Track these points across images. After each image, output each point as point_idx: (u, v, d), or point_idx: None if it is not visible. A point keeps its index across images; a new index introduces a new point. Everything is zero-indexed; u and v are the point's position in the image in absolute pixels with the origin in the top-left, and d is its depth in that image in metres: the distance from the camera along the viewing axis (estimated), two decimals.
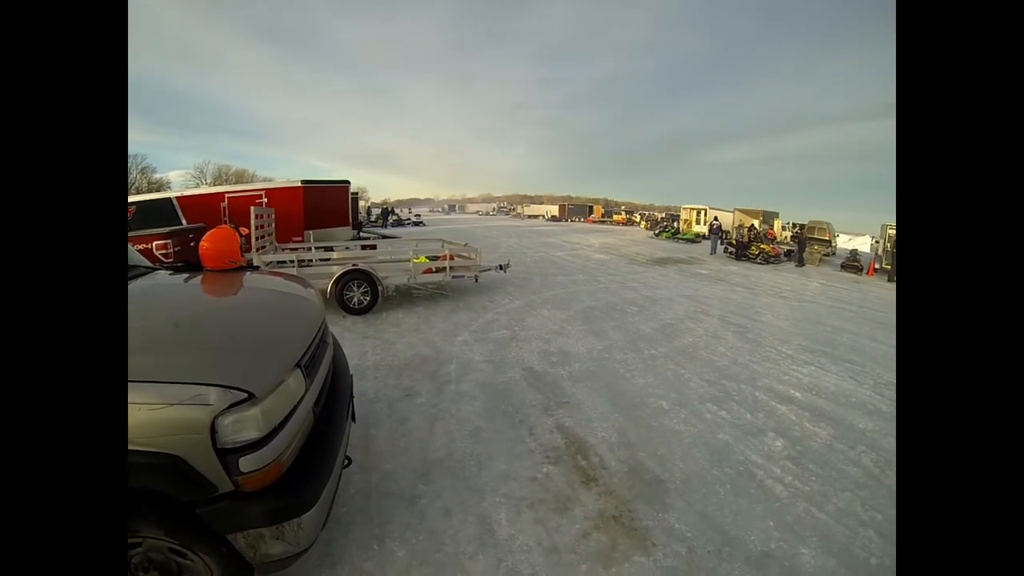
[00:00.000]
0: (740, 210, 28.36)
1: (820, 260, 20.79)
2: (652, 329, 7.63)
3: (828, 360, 6.65)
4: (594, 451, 3.88)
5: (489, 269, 10.30)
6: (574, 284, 11.39)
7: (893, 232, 19.07)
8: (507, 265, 10.81)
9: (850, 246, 27.66)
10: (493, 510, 3.12)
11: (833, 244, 25.27)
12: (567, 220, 57.38)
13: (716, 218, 25.21)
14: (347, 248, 9.55)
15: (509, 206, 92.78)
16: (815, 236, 23.62)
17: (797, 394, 5.31)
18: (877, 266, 19.06)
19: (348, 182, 14.90)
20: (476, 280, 9.71)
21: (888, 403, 5.25)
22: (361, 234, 16.30)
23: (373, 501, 3.17)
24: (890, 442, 4.35)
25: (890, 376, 6.20)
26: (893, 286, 16.34)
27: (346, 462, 2.71)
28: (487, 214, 79.07)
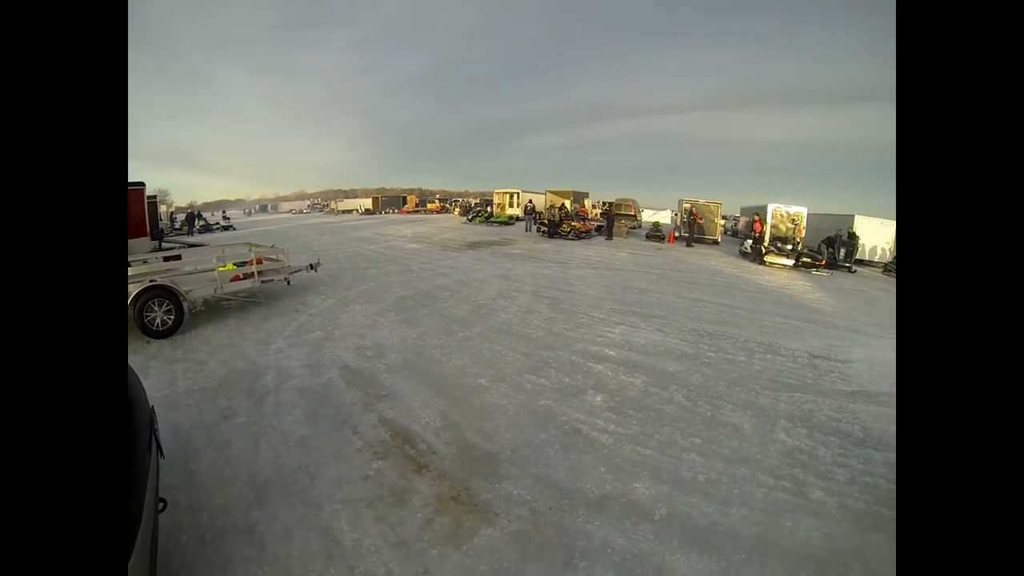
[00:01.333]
0: (552, 191, 30.60)
1: (627, 233, 23.69)
2: (466, 312, 7.92)
3: (638, 318, 7.62)
4: (420, 438, 3.94)
5: (299, 270, 9.85)
6: (386, 276, 11.32)
7: (688, 205, 22.37)
8: (318, 264, 10.42)
9: (654, 219, 31.59)
10: (333, 519, 3.06)
11: (639, 218, 28.93)
12: (381, 212, 56.60)
13: (531, 200, 27.12)
14: (144, 262, 8.29)
15: (323, 202, 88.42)
16: (622, 212, 26.81)
17: (611, 352, 5.96)
18: (676, 235, 22.71)
19: (143, 184, 12.84)
20: (288, 283, 9.25)
21: (692, 346, 6.25)
22: (163, 245, 14.26)
23: (209, 543, 2.88)
24: (697, 378, 5.17)
25: (692, 324, 7.36)
26: (690, 251, 19.08)
27: (160, 506, 2.36)
28: (301, 212, 74.62)
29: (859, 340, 7.54)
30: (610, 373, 5.28)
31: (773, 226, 20.03)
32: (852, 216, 21.00)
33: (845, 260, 18.32)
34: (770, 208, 20.44)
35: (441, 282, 10.43)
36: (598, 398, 4.64)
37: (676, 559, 2.76)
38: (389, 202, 62.86)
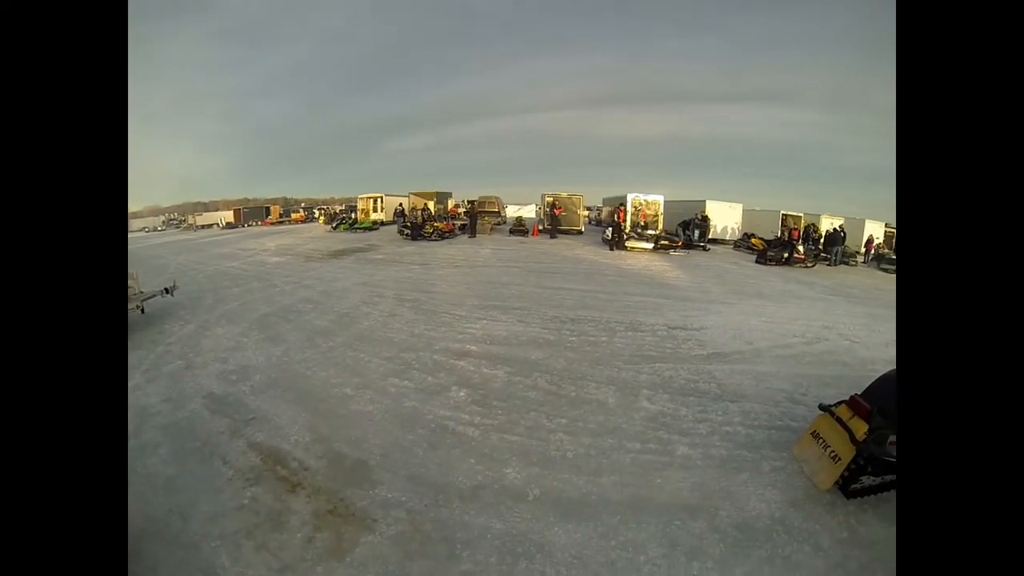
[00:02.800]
0: (414, 193, 30.75)
1: (491, 230, 24.34)
2: (329, 322, 7.79)
3: (499, 312, 7.91)
4: (291, 457, 3.87)
5: (153, 296, 8.95)
6: (249, 294, 10.68)
7: (550, 199, 23.41)
8: (174, 287, 9.52)
9: (517, 215, 32.57)
10: (214, 557, 3.03)
11: (503, 215, 29.70)
12: (244, 225, 52.77)
13: (401, 204, 27.11)
14: None
15: (180, 217, 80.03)
16: (486, 210, 27.36)
17: (473, 348, 6.15)
18: (540, 228, 23.73)
19: None
20: (142, 311, 8.36)
21: (554, 333, 6.65)
22: None
23: None
24: (560, 363, 5.53)
25: (554, 312, 7.81)
26: (553, 242, 19.97)
27: None
28: (156, 230, 66.98)
29: (713, 309, 8.54)
30: (472, 368, 5.46)
31: (633, 213, 21.90)
32: (704, 201, 24.04)
33: (699, 240, 20.63)
34: (630, 197, 22.45)
35: (304, 295, 10.12)
36: (462, 393, 4.78)
37: (555, 532, 2.99)
38: (252, 214, 59.20)
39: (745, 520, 3.18)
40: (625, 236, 18.76)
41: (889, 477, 3.55)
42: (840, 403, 3.55)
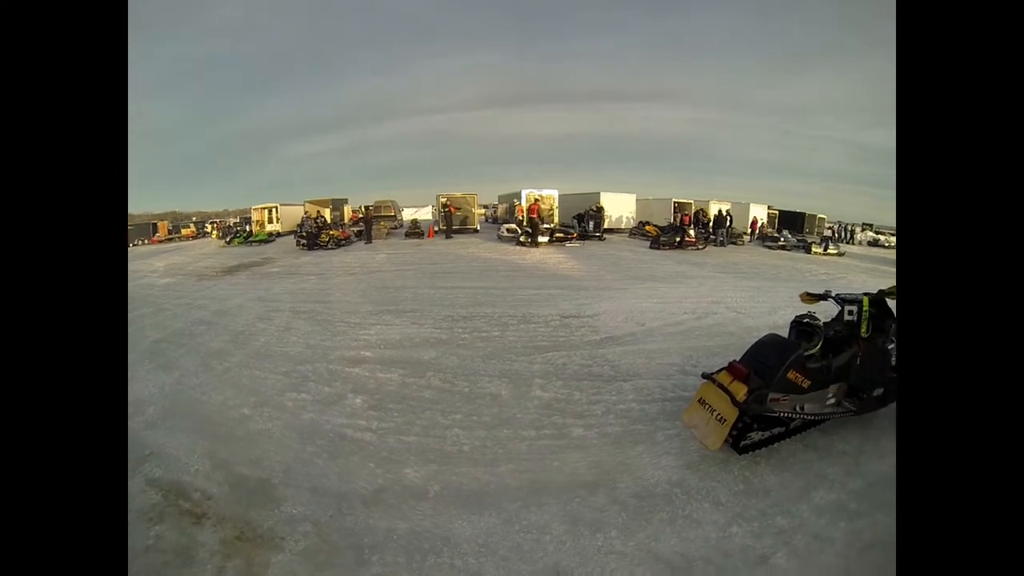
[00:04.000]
0: (309, 202, 29.77)
1: (388, 234, 23.99)
2: (224, 343, 7.45)
3: (392, 316, 7.86)
4: (193, 487, 3.68)
5: None
6: (140, 319, 9.91)
7: (443, 199, 23.40)
8: None
9: (413, 217, 32.28)
10: None
11: (399, 218, 29.42)
12: (131, 245, 48.48)
13: (306, 213, 26.15)
14: None
15: None
16: (383, 214, 26.99)
17: (368, 354, 6.10)
18: (436, 229, 23.86)
19: None
20: None
21: (446, 332, 6.70)
22: None
23: None
24: (453, 360, 5.58)
25: (447, 311, 7.85)
26: (449, 242, 20.04)
27: None
28: None
29: (606, 295, 8.89)
30: (368, 374, 5.42)
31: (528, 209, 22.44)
32: (598, 193, 24.93)
33: (595, 231, 21.37)
34: (524, 193, 22.87)
35: (197, 316, 9.56)
36: (358, 400, 4.73)
37: (459, 525, 3.02)
38: (138, 232, 54.40)
39: (644, 488, 3.35)
40: (519, 232, 19.16)
41: (778, 429, 3.94)
42: (720, 370, 3.82)
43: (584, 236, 20.98)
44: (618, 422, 4.11)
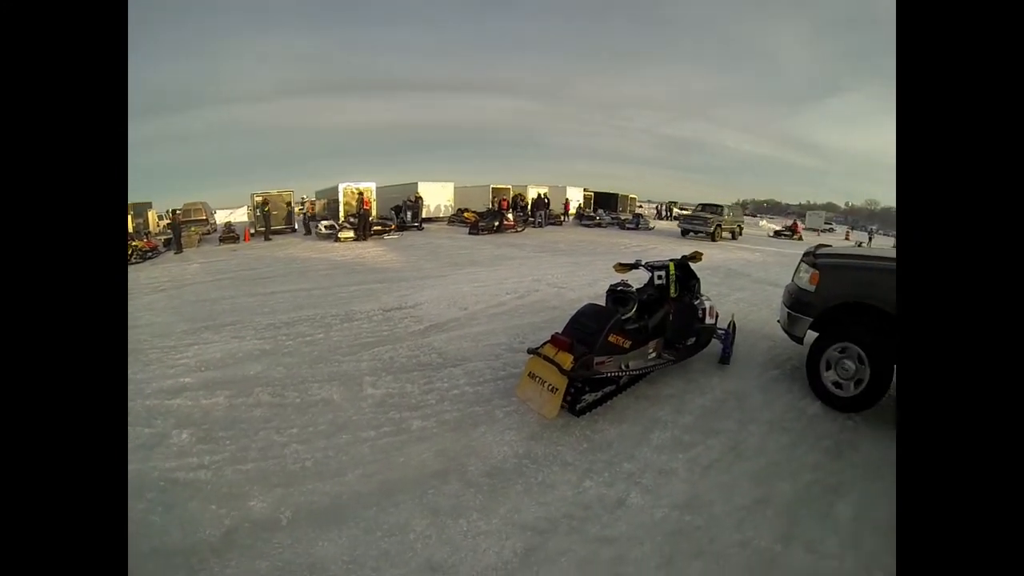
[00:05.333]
0: None
1: (200, 240, 21.62)
2: None
3: (211, 332, 7.19)
4: None
5: None
6: None
7: (259, 199, 21.71)
8: None
9: (227, 220, 29.54)
10: None
11: (211, 221, 26.76)
12: None
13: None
14: None
15: None
16: (192, 219, 24.32)
17: (188, 380, 5.52)
18: (252, 231, 22.12)
19: None
20: None
21: (269, 342, 6.36)
22: None
23: None
24: (279, 371, 5.33)
25: (268, 319, 7.44)
26: (267, 244, 18.86)
27: None
28: None
29: (427, 284, 8.96)
30: (191, 403, 4.90)
31: (346, 203, 21.65)
32: (416, 183, 24.91)
33: (413, 221, 21.27)
34: (341, 187, 22.32)
35: None
36: (184, 435, 4.25)
37: (321, 547, 2.89)
38: None
39: (494, 466, 3.48)
40: (338, 228, 18.53)
41: (610, 388, 4.33)
42: (545, 343, 4.06)
43: (403, 227, 20.83)
44: (455, 407, 4.20)
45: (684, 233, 24.02)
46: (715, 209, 24.30)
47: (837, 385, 4.75)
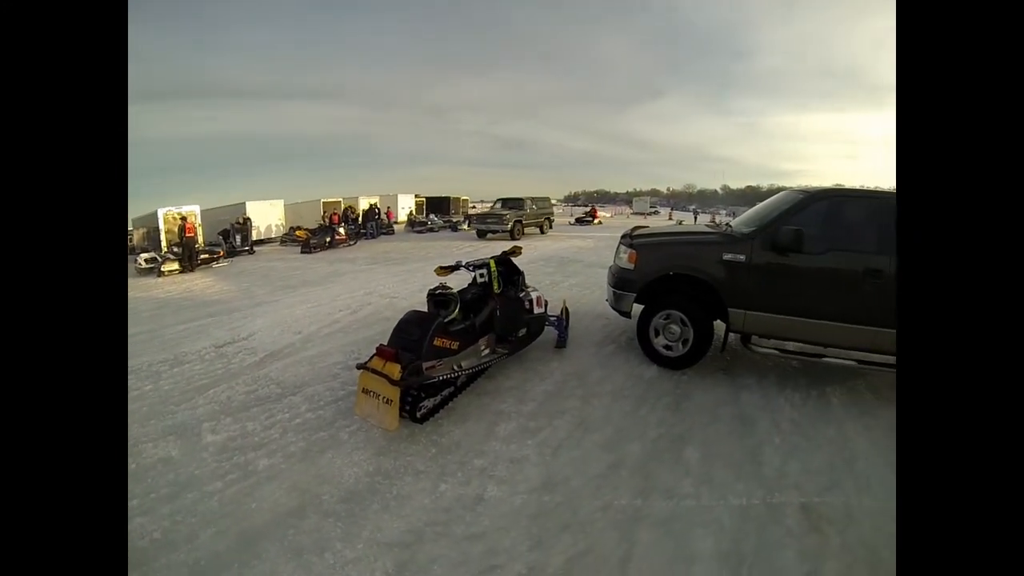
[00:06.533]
0: None
1: None
2: None
3: None
4: None
5: None
6: None
7: None
8: None
9: None
10: None
11: None
12: None
13: None
14: None
15: None
16: None
17: None
18: None
19: None
20: None
21: None
22: None
23: None
24: None
25: None
26: None
27: None
28: None
29: (259, 312, 8.31)
30: None
31: (167, 231, 19.29)
32: (244, 203, 23.10)
33: (243, 245, 19.60)
34: (160, 213, 19.89)
35: None
36: None
37: None
38: None
39: (348, 490, 3.29)
40: (161, 259, 16.45)
41: (448, 390, 4.31)
42: (372, 356, 3.91)
43: (233, 253, 18.98)
44: (299, 437, 3.92)
45: (480, 235, 21.93)
46: (515, 203, 22.18)
47: (667, 348, 5.26)
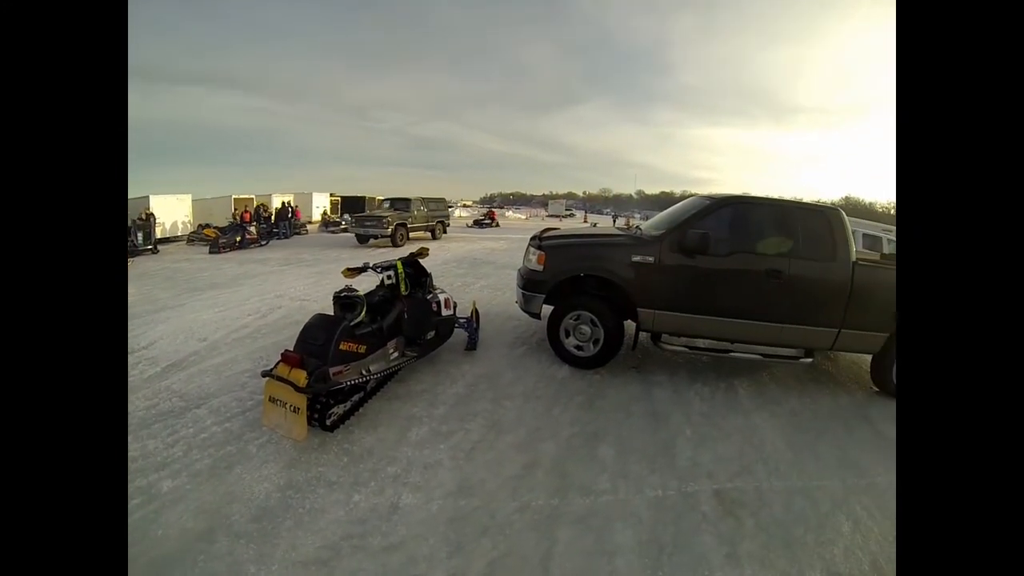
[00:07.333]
0: None
1: None
2: None
3: None
4: None
5: None
6: None
7: None
8: None
9: None
10: None
11: None
12: None
13: None
14: None
15: None
16: None
17: None
18: None
19: None
20: None
21: None
22: None
23: None
24: None
25: None
26: None
27: None
28: None
29: (162, 317, 7.72)
30: None
31: None
32: (147, 197, 21.49)
33: (146, 243, 18.22)
34: None
35: None
36: None
37: None
38: None
39: (259, 507, 3.11)
40: None
41: (358, 395, 4.21)
42: (277, 363, 3.75)
43: (134, 252, 17.56)
44: (205, 454, 3.66)
45: (362, 240, 19.10)
46: (401, 204, 19.73)
47: (579, 348, 5.36)
